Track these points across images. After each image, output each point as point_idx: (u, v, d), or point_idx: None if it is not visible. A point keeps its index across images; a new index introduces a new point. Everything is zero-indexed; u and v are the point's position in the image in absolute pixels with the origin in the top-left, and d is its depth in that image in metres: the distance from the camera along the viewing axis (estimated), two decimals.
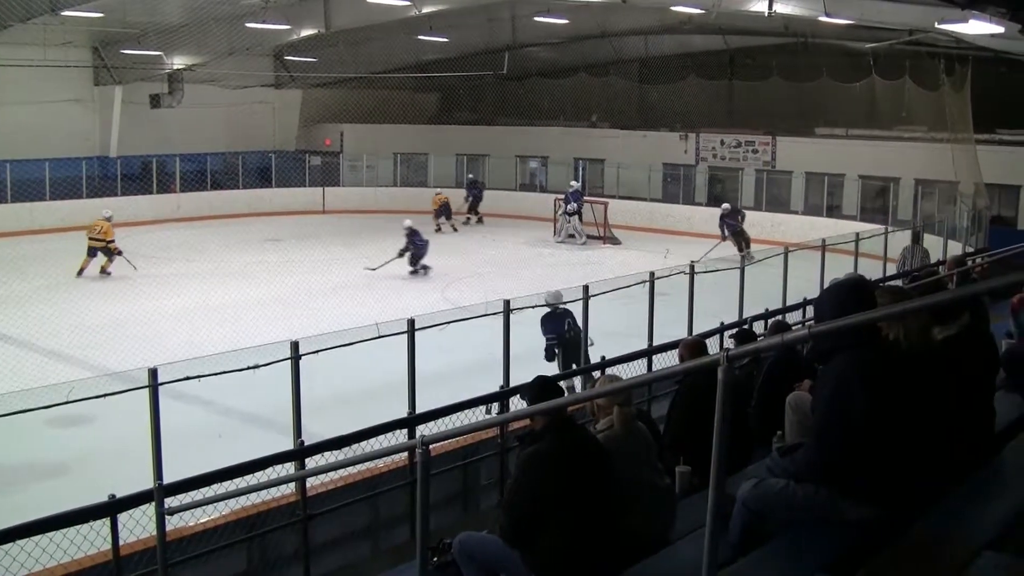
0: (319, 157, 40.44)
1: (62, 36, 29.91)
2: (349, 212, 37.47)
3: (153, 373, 8.32)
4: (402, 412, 9.97)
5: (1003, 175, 28.75)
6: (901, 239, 22.03)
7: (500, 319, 11.29)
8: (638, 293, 13.88)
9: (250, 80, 36.28)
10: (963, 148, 27.21)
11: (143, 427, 8.50)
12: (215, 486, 7.99)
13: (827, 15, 23.38)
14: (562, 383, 8.41)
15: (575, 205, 32.47)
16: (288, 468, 8.99)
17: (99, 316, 19.13)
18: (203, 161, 36.96)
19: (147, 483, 7.76)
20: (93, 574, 7.99)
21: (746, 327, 13.58)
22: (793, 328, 11.37)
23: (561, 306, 14.41)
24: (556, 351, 14.22)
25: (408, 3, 28.04)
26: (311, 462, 8.96)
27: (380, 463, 9.89)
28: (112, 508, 7.61)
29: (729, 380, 3.89)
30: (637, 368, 12.13)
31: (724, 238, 28.66)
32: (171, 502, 7.36)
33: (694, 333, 12.69)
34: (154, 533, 7.11)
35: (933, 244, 22.49)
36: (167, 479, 7.88)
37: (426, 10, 28.80)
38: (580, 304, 12.87)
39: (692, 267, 14.62)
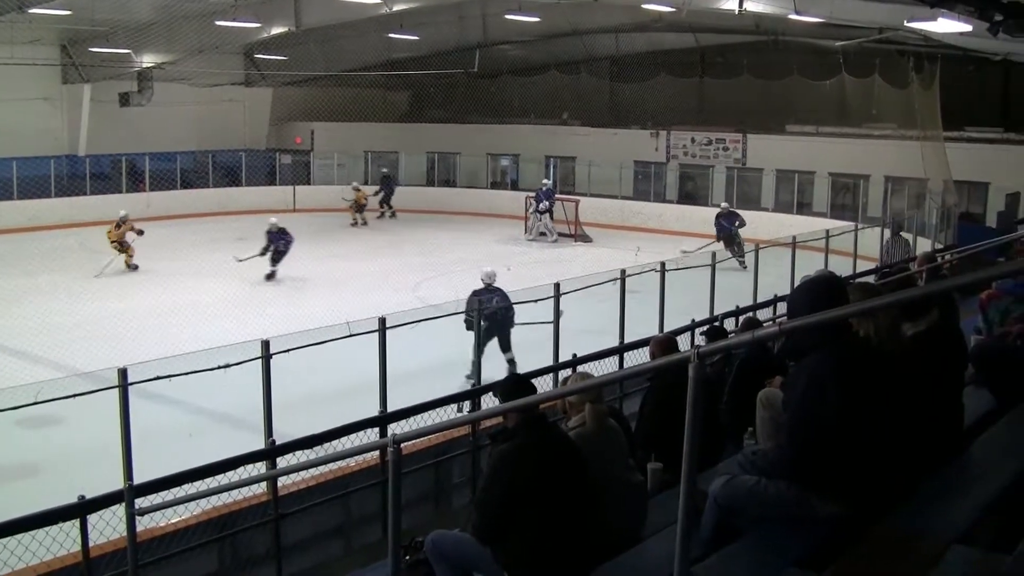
0: (290, 156, 40.30)
1: (29, 34, 29.58)
2: (320, 211, 37.28)
3: (123, 373, 8.26)
4: (374, 411, 9.96)
5: (972, 172, 28.91)
6: (871, 236, 22.19)
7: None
8: (609, 291, 13.91)
9: (220, 78, 36.08)
10: (932, 145, 27.36)
11: (113, 428, 8.43)
12: (186, 486, 7.95)
13: (797, 13, 23.48)
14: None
15: (547, 203, 32.47)
16: (259, 468, 8.96)
17: (68, 316, 18.95)
18: (173, 160, 36.67)
19: (117, 484, 7.72)
20: None
21: (717, 324, 13.66)
22: (764, 325, 11.44)
23: (494, 284, 15.96)
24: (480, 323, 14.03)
25: (379, 1, 27.98)
26: (282, 461, 8.94)
27: (351, 462, 9.88)
28: (82, 509, 7.55)
29: (700, 377, 3.90)
30: (608, 366, 12.16)
31: (719, 239, 27.85)
32: (142, 503, 7.32)
33: (665, 330, 12.73)
34: (124, 534, 7.07)
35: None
36: (137, 480, 7.84)
37: (397, 8, 28.77)
38: (552, 302, 12.86)
39: (663, 265, 14.66)
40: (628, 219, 35.75)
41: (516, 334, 15.26)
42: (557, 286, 12.74)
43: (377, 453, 9.43)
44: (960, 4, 16.09)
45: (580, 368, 11.08)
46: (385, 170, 39.00)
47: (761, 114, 35.56)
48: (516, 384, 5.79)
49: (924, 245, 22.41)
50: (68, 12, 28.29)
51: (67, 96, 34.66)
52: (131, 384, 8.34)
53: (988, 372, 6.81)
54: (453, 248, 30.34)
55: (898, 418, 4.83)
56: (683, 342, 11.30)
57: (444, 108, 42.02)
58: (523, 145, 40.61)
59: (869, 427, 4.65)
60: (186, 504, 7.82)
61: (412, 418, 9.88)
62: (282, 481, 9.20)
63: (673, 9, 27.07)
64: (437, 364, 14.80)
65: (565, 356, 12.35)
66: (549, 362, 12.37)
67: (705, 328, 12.76)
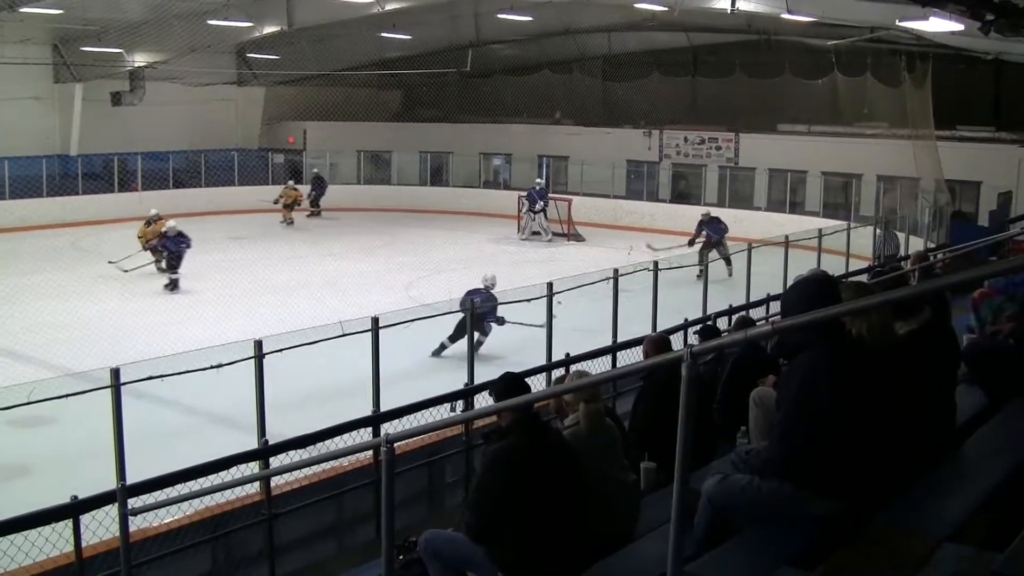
0: (282, 155, 40.22)
1: (21, 33, 29.54)
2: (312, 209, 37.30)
3: (115, 373, 8.26)
4: (367, 410, 9.95)
5: (964, 171, 28.97)
6: (863, 235, 22.23)
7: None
8: (602, 290, 13.92)
9: (212, 77, 35.98)
10: (924, 144, 27.43)
11: (106, 427, 8.43)
12: (179, 486, 7.95)
13: (789, 12, 23.46)
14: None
15: (541, 203, 32.49)
16: (252, 467, 8.96)
17: (61, 315, 18.90)
18: (165, 159, 36.54)
19: (110, 484, 7.71)
20: None
21: (710, 323, 13.69)
22: (757, 324, 11.46)
23: (492, 291, 16.25)
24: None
25: (371, 0, 27.94)
26: (275, 461, 8.93)
27: (345, 462, 9.87)
28: (75, 509, 7.55)
29: (693, 376, 3.90)
30: (602, 365, 12.16)
31: (692, 243, 26.48)
32: (134, 503, 7.31)
33: (658, 329, 12.74)
34: (117, 534, 7.06)
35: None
36: (130, 479, 7.82)
37: (389, 7, 28.71)
38: (544, 301, 12.86)
39: (656, 265, 14.69)
40: (621, 218, 35.77)
41: (508, 333, 15.28)
42: (550, 285, 12.75)
43: (370, 453, 9.41)
44: (951, 3, 16.09)
45: (576, 367, 11.08)
46: (316, 171, 38.99)
47: (753, 113, 35.59)
48: (510, 383, 5.78)
49: (917, 244, 22.48)
50: (60, 11, 28.24)
51: (59, 95, 34.59)
52: (124, 384, 8.34)
53: (980, 370, 6.82)
54: (446, 247, 30.33)
55: (891, 416, 4.84)
56: (676, 341, 11.31)
57: (437, 107, 41.93)
58: (516, 144, 40.60)
59: (862, 425, 4.66)
60: (179, 504, 7.82)
61: (405, 417, 9.88)
62: (275, 481, 9.20)
63: (665, 8, 27.04)
64: (430, 363, 14.81)
65: (558, 355, 12.36)
66: (542, 361, 12.39)
67: (698, 327, 12.79)
